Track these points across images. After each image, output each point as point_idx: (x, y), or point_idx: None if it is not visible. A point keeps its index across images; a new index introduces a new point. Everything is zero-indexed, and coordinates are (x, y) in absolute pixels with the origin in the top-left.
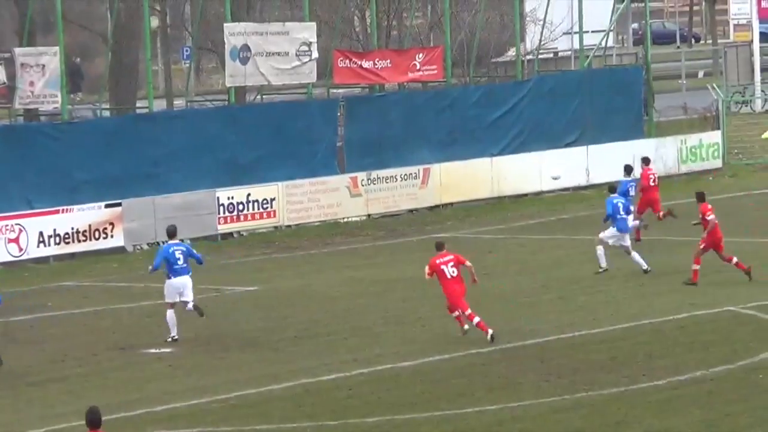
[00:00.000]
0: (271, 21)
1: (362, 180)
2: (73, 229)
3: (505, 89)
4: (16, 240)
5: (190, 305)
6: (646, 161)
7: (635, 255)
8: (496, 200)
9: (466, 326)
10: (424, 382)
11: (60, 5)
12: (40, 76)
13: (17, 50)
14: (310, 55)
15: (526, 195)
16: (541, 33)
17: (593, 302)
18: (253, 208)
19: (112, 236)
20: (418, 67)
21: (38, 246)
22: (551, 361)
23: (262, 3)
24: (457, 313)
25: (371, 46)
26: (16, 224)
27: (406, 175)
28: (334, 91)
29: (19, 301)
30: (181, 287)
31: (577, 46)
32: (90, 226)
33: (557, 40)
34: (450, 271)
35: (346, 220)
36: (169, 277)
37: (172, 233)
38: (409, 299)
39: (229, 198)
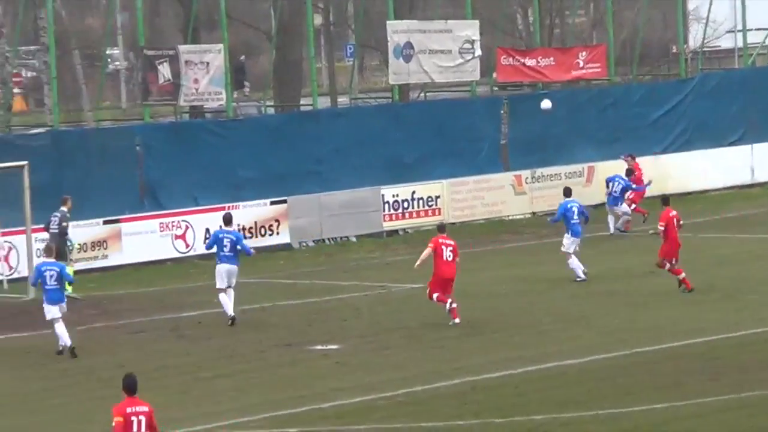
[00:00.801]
0: (433, 19)
1: (526, 178)
2: (238, 225)
3: (668, 87)
4: (182, 236)
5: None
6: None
7: (574, 260)
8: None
9: (448, 305)
10: (590, 380)
11: (224, 3)
12: (205, 74)
13: (182, 48)
14: (473, 53)
15: (690, 193)
16: (704, 31)
17: (761, 301)
18: (418, 206)
19: (278, 233)
20: (581, 65)
21: (204, 242)
22: (717, 360)
23: (424, 1)
24: (437, 295)
25: (534, 44)
26: (183, 221)
27: (570, 173)
28: (498, 89)
29: (187, 298)
30: (228, 274)
31: (740, 44)
32: (256, 222)
33: (720, 38)
34: (447, 254)
35: (510, 217)
36: (219, 263)
37: (227, 220)
38: (574, 297)
39: (394, 195)
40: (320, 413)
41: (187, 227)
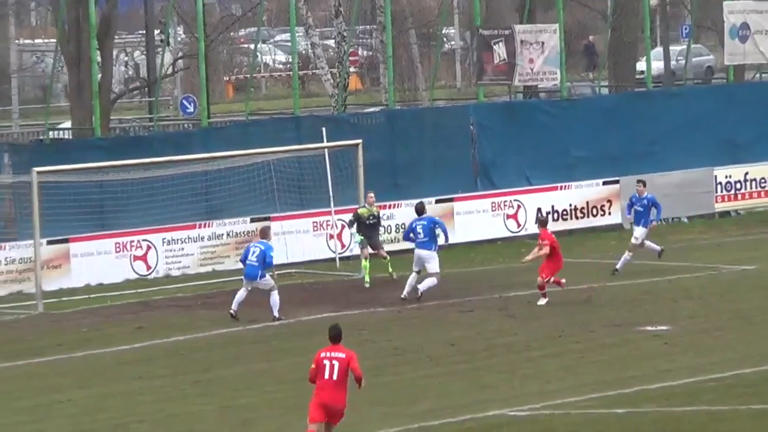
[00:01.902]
0: None
1: None
2: (570, 205)
3: None
4: (514, 216)
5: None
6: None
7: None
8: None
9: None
10: None
11: None
12: (540, 54)
13: (517, 27)
14: None
15: None
16: None
17: None
18: (751, 187)
19: (609, 213)
20: None
21: (536, 222)
22: None
23: None
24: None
25: None
26: (515, 200)
27: None
28: None
29: (516, 277)
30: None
31: None
32: (588, 203)
33: None
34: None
35: None
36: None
37: (420, 210)
38: None
39: (726, 176)
40: (647, 394)
41: (519, 207)
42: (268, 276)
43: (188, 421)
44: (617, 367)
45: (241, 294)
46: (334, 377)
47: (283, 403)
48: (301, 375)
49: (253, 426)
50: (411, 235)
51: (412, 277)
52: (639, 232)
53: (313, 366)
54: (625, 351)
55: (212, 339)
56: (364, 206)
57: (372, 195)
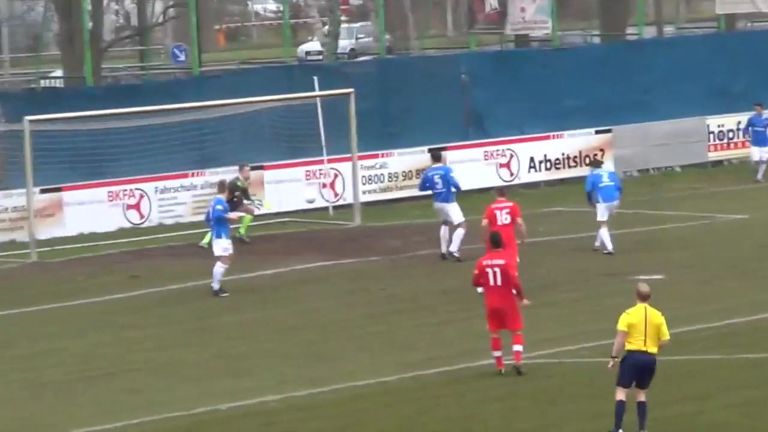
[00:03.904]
0: None
1: None
2: (563, 154)
3: None
4: (507, 165)
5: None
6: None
7: None
8: None
9: None
10: None
11: None
12: (531, 2)
13: None
14: None
15: None
16: None
17: None
18: (743, 136)
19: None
20: None
21: (529, 171)
22: None
23: None
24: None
25: None
26: (507, 149)
27: None
28: None
29: None
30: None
31: None
32: (580, 152)
33: None
34: (503, 218)
35: None
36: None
37: (437, 157)
38: None
39: (719, 126)
40: None
41: (511, 155)
42: None
43: (182, 369)
44: (611, 316)
45: None
46: (498, 283)
47: (277, 352)
48: (294, 323)
49: (247, 375)
50: (427, 185)
51: (443, 230)
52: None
53: (476, 271)
54: (620, 300)
55: (205, 288)
56: (238, 178)
57: (248, 168)
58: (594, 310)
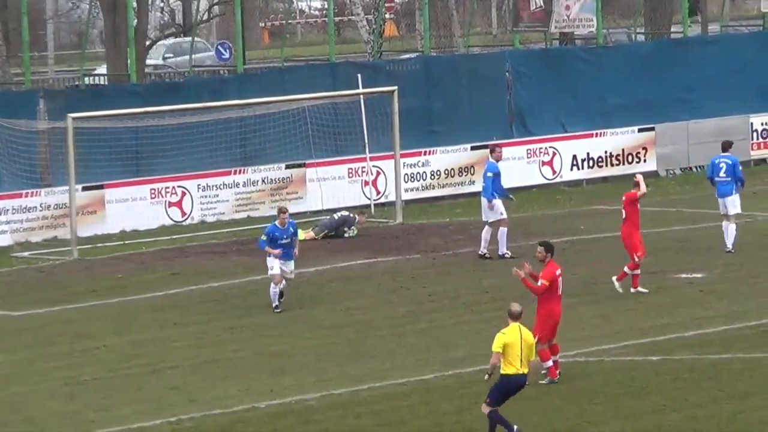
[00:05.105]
0: None
1: None
2: (606, 152)
3: None
4: (549, 163)
5: None
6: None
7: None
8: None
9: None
10: None
11: None
12: (576, 0)
13: None
14: None
15: None
16: None
17: None
18: None
19: (645, 160)
20: None
21: (571, 169)
22: None
23: None
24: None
25: None
26: (550, 147)
27: None
28: None
29: (552, 224)
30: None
31: None
32: (623, 150)
33: None
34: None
35: None
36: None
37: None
38: None
39: (763, 124)
40: (683, 341)
41: (554, 153)
42: None
43: (223, 367)
44: (653, 315)
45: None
46: (560, 292)
47: (318, 350)
48: (335, 321)
49: (287, 372)
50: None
51: (485, 231)
52: None
53: (546, 283)
54: (661, 298)
55: (247, 285)
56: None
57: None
58: (635, 309)
